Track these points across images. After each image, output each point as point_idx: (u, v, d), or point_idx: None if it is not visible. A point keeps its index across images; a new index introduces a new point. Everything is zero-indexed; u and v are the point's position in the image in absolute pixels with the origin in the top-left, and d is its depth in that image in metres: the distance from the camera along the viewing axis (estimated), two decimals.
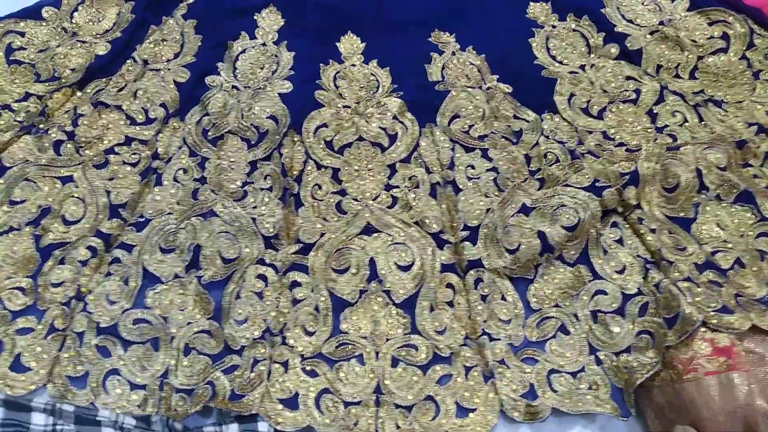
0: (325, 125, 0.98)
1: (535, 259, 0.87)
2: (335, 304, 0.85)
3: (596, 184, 0.90)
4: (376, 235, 0.90)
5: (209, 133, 0.97)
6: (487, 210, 0.91)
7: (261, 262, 0.88)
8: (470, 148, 0.97)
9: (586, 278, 0.86)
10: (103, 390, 0.79)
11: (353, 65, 1.02)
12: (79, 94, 1.00)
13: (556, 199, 0.91)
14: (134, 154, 0.96)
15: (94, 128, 0.97)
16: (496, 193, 0.93)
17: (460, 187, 0.93)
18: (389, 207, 0.92)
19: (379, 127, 0.97)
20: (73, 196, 0.91)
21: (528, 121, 0.97)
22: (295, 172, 0.94)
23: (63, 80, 1.00)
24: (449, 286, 0.87)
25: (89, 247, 0.88)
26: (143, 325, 0.83)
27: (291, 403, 0.78)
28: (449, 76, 1.01)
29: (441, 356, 0.82)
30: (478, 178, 0.94)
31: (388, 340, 0.83)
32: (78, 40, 1.03)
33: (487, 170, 0.94)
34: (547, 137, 0.96)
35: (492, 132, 0.97)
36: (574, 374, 0.80)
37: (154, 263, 0.87)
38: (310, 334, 0.84)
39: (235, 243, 0.89)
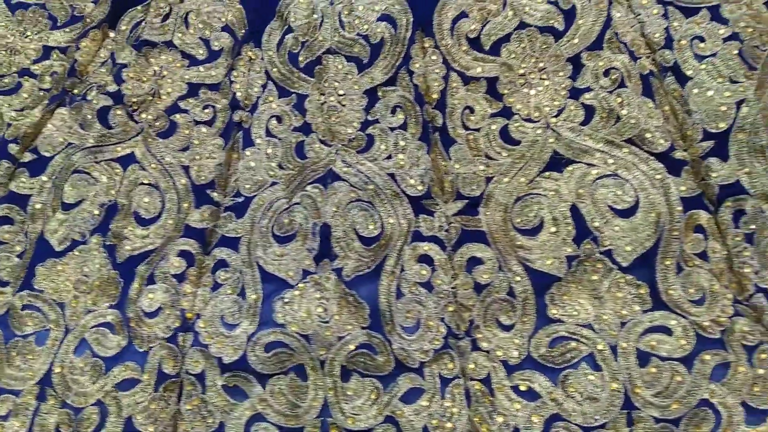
0: (464, 14, 0.73)
1: None
2: (536, 282, 0.64)
3: None
4: (570, 168, 0.67)
5: (300, 59, 0.76)
6: (738, 103, 0.65)
7: (417, 236, 0.67)
8: (691, 9, 0.70)
9: None
10: None
11: None
12: (112, 35, 0.80)
13: None
14: (206, 107, 0.76)
15: (144, 80, 0.77)
16: (748, 74, 0.66)
17: (688, 73, 0.68)
18: (583, 123, 0.68)
19: (548, 2, 0.72)
20: (142, 183, 0.72)
21: None
22: (434, 95, 0.72)
23: (87, 20, 0.80)
24: (698, 229, 0.63)
25: (182, 253, 0.69)
26: (280, 351, 0.64)
27: None
28: None
29: (707, 338, 0.60)
30: (714, 54, 0.68)
31: (623, 324, 0.61)
32: None
33: (726, 40, 0.68)
34: None
35: None
36: None
37: (272, 260, 0.68)
38: (508, 329, 0.63)
39: (372, 214, 0.68)
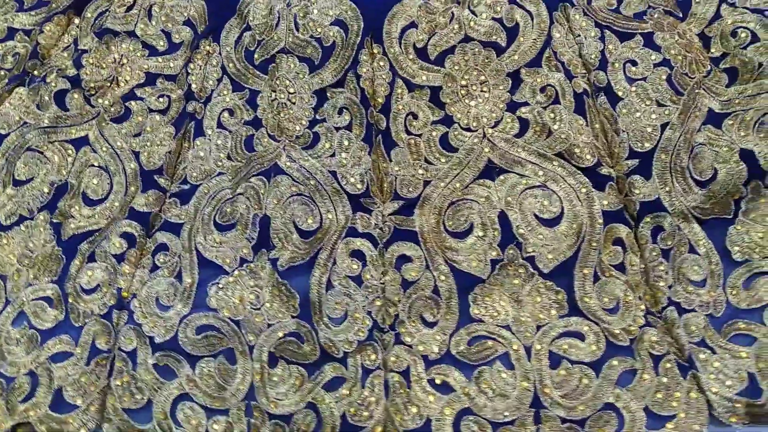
0: (413, 25, 0.75)
1: (737, 191, 0.65)
2: (460, 283, 0.66)
3: None
4: (503, 177, 0.69)
5: (255, 56, 0.77)
6: (663, 126, 0.69)
7: (352, 232, 0.69)
8: (627, 34, 0.73)
9: None
10: (173, 422, 0.64)
11: None
12: (77, 21, 0.81)
13: (764, 99, 0.67)
14: (161, 96, 0.78)
15: (103, 67, 0.79)
16: (674, 99, 0.70)
17: (619, 94, 0.72)
18: (517, 135, 0.71)
19: (492, 19, 0.74)
20: (92, 165, 0.74)
21: None
22: (380, 99, 0.74)
23: (53, 5, 0.82)
24: (617, 242, 0.66)
25: (124, 235, 0.71)
26: (211, 334, 0.66)
27: None
28: None
29: (617, 345, 0.63)
30: (644, 78, 0.71)
31: (539, 327, 0.64)
32: None
33: (656, 65, 0.72)
34: (732, 5, 0.73)
35: (651, 6, 0.75)
36: None
37: (211, 246, 0.69)
38: (432, 325, 0.65)
39: (312, 209, 0.70)
